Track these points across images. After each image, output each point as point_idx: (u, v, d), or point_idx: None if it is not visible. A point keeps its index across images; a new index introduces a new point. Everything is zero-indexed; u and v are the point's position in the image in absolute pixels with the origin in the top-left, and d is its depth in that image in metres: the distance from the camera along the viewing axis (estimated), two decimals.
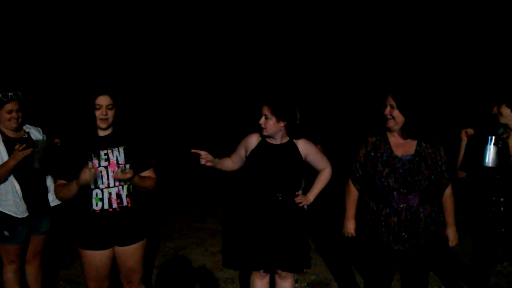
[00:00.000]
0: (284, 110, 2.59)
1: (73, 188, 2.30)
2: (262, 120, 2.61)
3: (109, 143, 2.46)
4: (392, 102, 2.42)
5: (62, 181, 2.43)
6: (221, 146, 2.86)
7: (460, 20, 9.32)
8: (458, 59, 9.49)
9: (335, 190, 3.17)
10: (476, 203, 2.92)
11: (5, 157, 2.74)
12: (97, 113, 2.40)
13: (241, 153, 2.77)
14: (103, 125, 2.43)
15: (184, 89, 10.57)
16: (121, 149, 2.46)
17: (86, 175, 2.24)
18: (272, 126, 2.59)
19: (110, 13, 9.39)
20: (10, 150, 2.73)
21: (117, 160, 2.43)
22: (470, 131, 2.92)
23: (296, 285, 3.62)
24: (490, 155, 2.64)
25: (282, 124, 2.61)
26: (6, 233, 2.79)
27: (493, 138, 2.64)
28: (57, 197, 2.53)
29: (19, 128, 2.86)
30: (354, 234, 2.67)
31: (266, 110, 2.59)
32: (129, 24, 9.71)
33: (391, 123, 2.46)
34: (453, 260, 4.13)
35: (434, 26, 9.68)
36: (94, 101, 2.39)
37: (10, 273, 2.91)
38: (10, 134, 2.83)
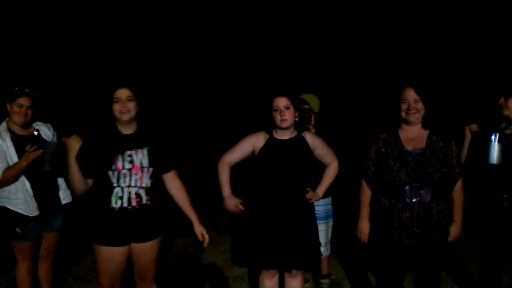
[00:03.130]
0: (298, 100, 2.66)
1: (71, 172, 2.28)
2: (284, 112, 2.56)
3: (134, 143, 2.41)
4: (416, 96, 2.43)
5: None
6: (226, 146, 2.79)
7: (467, 16, 9.23)
8: (462, 55, 9.41)
9: (346, 188, 3.14)
10: (481, 200, 2.87)
11: (14, 155, 2.73)
12: (116, 106, 2.34)
13: (246, 150, 2.68)
14: (125, 117, 2.35)
15: (190, 90, 10.64)
16: (145, 151, 2.40)
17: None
18: (292, 116, 2.59)
19: (137, 17, 9.52)
20: (18, 148, 2.73)
21: (141, 163, 2.39)
22: (474, 127, 2.86)
23: (306, 285, 3.59)
24: (494, 152, 2.61)
25: (297, 114, 2.65)
26: (17, 230, 2.79)
27: (498, 135, 2.61)
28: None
29: (28, 125, 2.86)
30: (367, 239, 2.64)
31: (286, 101, 2.57)
32: (153, 29, 9.83)
33: (415, 116, 2.46)
34: (466, 260, 4.08)
35: (438, 23, 9.61)
36: (112, 95, 2.36)
37: (23, 270, 2.91)
38: (19, 131, 2.82)
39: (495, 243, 2.83)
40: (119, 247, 2.42)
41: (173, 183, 2.56)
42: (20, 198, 2.76)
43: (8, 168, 2.69)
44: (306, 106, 3.16)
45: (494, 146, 2.61)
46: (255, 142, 2.67)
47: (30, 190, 2.78)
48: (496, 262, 2.89)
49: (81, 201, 2.45)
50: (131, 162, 2.37)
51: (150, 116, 2.58)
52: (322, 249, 3.38)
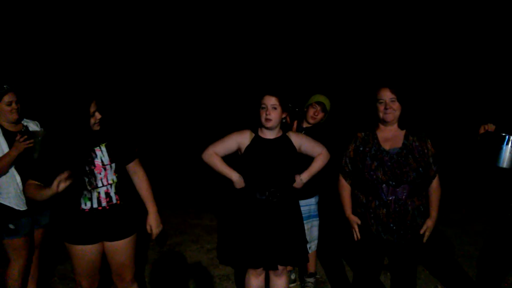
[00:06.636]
0: (287, 102, 2.64)
1: (44, 194, 2.10)
2: (270, 111, 2.57)
3: (91, 142, 2.36)
4: (392, 95, 2.48)
5: (34, 182, 2.25)
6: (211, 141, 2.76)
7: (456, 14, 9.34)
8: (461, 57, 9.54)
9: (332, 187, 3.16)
10: (495, 209, 2.87)
11: (5, 149, 2.74)
12: (93, 120, 2.31)
13: (231, 146, 2.68)
14: (97, 127, 2.35)
15: (183, 87, 10.60)
16: (103, 147, 2.38)
17: (56, 187, 2.03)
18: (278, 117, 2.60)
19: (90, 9, 9.41)
20: (9, 143, 2.74)
21: (101, 161, 2.36)
22: (489, 126, 2.68)
23: (292, 285, 3.61)
24: (506, 155, 2.53)
25: (284, 115, 2.65)
26: (11, 226, 2.78)
27: (510, 137, 2.53)
28: (26, 195, 2.41)
29: (18, 121, 2.87)
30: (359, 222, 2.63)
31: (274, 100, 2.58)
32: (114, 21, 9.72)
33: (392, 116, 2.50)
34: (450, 260, 4.15)
35: (422, 22, 9.74)
36: (89, 108, 2.27)
37: (16, 271, 2.88)
38: (9, 127, 2.83)
39: (502, 249, 2.84)
40: (91, 245, 2.40)
41: (135, 174, 2.56)
42: (11, 192, 2.75)
43: None
44: (318, 112, 3.27)
45: (506, 149, 2.53)
46: (240, 140, 2.67)
47: (20, 184, 2.77)
48: (503, 270, 2.91)
49: (53, 200, 2.34)
50: (92, 162, 2.34)
51: (106, 112, 2.50)
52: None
